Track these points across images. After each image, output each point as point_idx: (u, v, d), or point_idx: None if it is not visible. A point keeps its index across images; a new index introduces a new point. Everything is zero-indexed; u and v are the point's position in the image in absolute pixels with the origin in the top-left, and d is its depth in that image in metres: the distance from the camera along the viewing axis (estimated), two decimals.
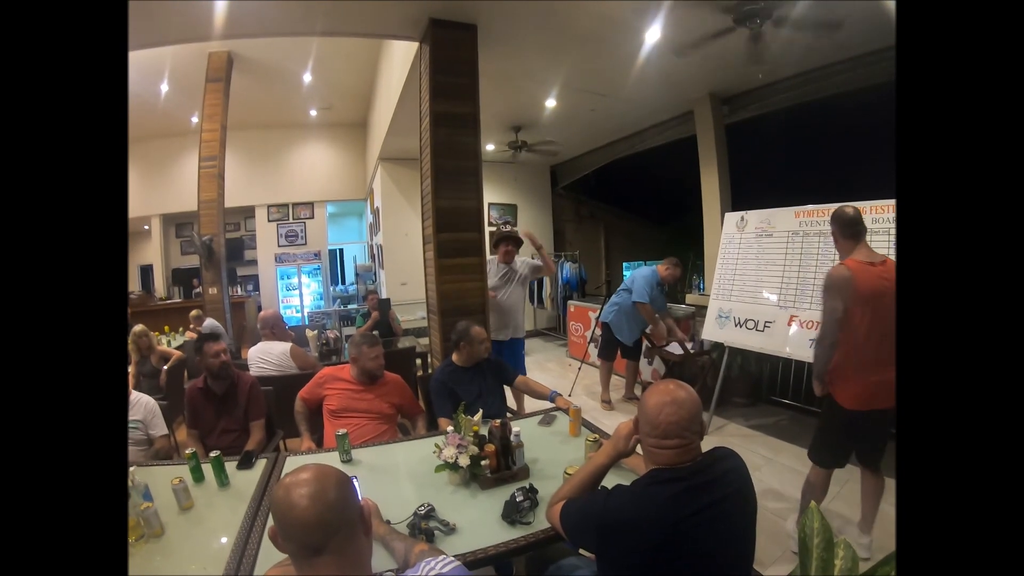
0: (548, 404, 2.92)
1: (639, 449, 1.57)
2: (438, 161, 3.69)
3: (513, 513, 1.77)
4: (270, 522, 1.07)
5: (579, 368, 6.03)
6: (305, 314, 10.44)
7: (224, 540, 1.71)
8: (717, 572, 1.34)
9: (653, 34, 4.20)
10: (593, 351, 6.20)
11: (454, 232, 3.75)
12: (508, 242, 4.33)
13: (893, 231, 3.34)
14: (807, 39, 4.06)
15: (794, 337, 3.81)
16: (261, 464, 2.32)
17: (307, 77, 7.80)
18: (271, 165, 10.37)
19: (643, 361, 5.51)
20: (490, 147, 7.95)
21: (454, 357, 3.01)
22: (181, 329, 6.78)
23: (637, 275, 5.00)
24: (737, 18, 3.75)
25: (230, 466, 2.25)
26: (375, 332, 4.84)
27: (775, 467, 3.74)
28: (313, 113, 9.63)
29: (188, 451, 2.24)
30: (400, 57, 5.19)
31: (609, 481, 1.63)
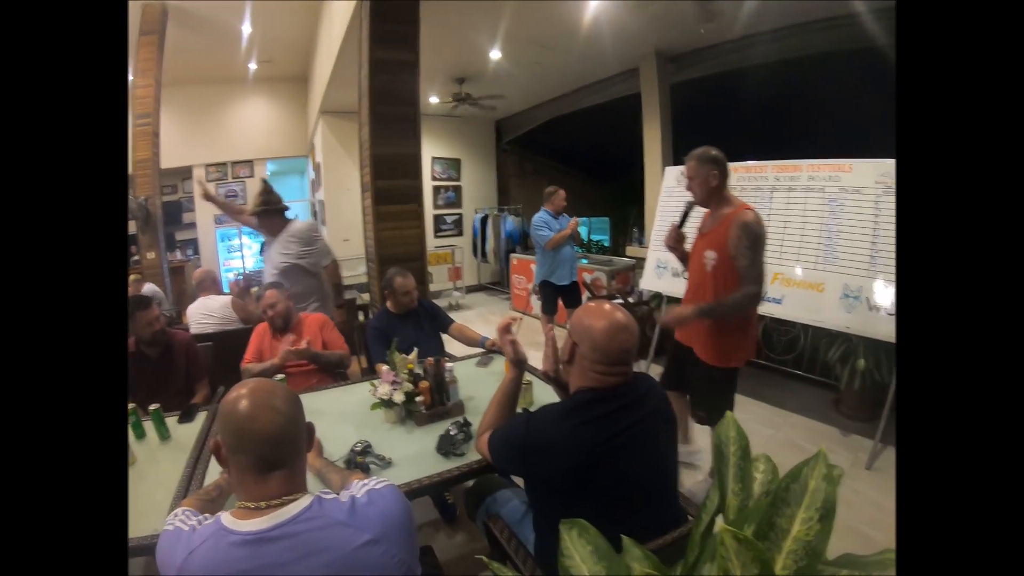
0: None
1: (564, 371, 1.58)
2: (377, 108, 3.64)
3: (447, 446, 1.84)
4: (215, 436, 1.05)
5: (520, 320, 6.06)
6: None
7: (166, 493, 1.70)
8: (642, 487, 1.39)
9: None
10: (536, 303, 6.26)
11: (392, 179, 3.72)
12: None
13: (828, 190, 3.51)
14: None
15: None
16: (201, 417, 2.32)
17: (246, 29, 7.36)
18: (208, 123, 9.82)
19: None
20: (434, 99, 7.75)
21: (388, 304, 3.01)
22: None
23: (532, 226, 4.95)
24: None
25: (171, 420, 2.23)
26: None
27: None
28: (252, 67, 9.15)
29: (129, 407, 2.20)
30: (342, 6, 5.00)
31: None
